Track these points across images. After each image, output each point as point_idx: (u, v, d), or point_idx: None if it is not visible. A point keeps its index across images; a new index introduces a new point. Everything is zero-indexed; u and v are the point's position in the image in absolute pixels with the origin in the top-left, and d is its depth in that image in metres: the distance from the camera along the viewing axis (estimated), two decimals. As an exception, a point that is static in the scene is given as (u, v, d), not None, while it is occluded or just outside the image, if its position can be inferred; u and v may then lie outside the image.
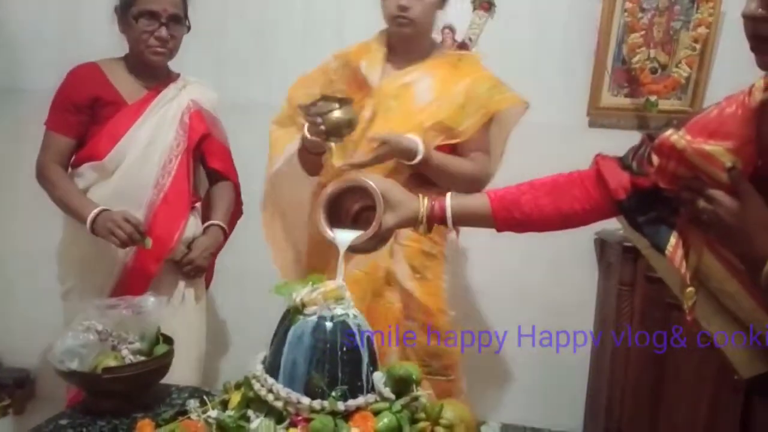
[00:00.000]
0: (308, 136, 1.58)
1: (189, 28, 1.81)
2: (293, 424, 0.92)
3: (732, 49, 2.29)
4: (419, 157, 1.57)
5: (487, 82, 1.68)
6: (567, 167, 2.39)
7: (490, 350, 2.48)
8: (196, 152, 1.87)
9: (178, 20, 1.76)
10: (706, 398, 1.93)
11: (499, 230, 1.18)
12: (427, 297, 1.67)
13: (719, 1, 2.22)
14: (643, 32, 2.29)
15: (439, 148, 1.65)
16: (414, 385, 0.99)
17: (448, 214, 1.13)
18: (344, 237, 1.11)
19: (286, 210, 1.83)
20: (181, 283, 1.86)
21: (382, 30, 1.75)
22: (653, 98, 2.31)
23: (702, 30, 2.25)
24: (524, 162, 2.28)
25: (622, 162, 1.14)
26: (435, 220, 1.14)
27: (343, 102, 1.53)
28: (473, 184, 1.65)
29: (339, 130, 1.52)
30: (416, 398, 0.97)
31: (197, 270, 1.87)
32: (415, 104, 1.66)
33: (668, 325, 2.05)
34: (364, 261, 1.61)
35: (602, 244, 2.36)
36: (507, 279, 2.41)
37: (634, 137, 2.36)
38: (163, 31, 1.72)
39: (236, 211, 2.00)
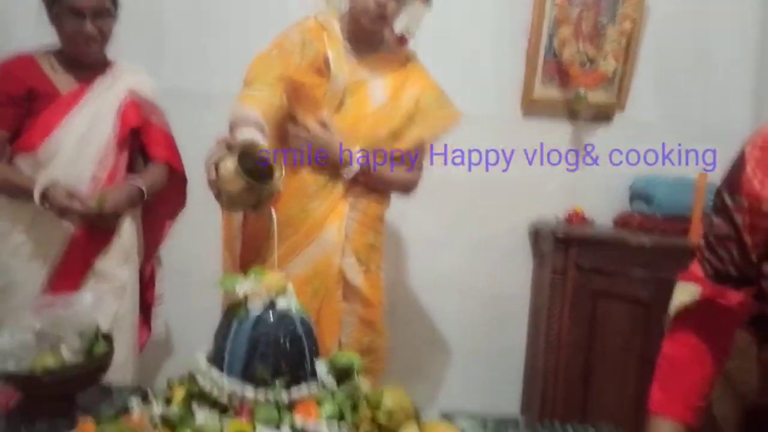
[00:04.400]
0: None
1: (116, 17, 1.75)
2: (238, 414, 0.94)
3: (656, 43, 2.42)
4: (351, 173, 1.64)
5: (434, 94, 1.74)
6: (505, 156, 2.47)
7: (429, 341, 2.54)
8: (134, 143, 1.84)
9: (105, 12, 1.71)
10: (630, 382, 2.03)
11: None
12: (370, 289, 1.72)
13: (643, -4, 2.33)
14: (572, 26, 2.37)
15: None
16: (355, 374, 1.02)
17: None
18: None
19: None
20: (123, 273, 1.83)
21: (336, 16, 1.72)
22: (582, 91, 2.41)
23: (627, 24, 2.35)
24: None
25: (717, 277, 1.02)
26: None
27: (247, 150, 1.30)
28: (407, 189, 1.79)
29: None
30: (358, 387, 1.00)
31: (106, 218, 1.75)
32: (369, 106, 1.69)
33: (596, 311, 2.17)
34: (315, 259, 1.65)
35: (536, 235, 2.46)
36: (446, 271, 2.48)
37: (566, 128, 2.49)
38: (88, 27, 1.68)
39: (178, 202, 1.97)
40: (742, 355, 1.09)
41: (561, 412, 2.15)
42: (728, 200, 0.99)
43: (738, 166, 0.99)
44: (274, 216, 1.19)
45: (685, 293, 1.03)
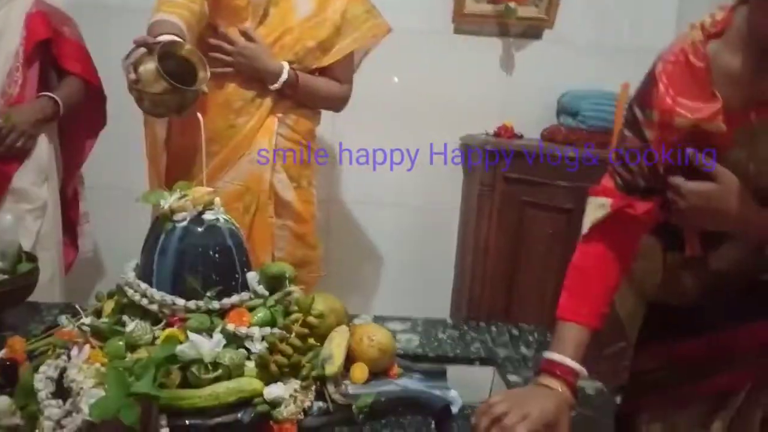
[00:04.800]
0: None
1: None
2: (170, 325, 0.95)
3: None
4: (277, 85, 1.60)
5: (361, 5, 1.70)
6: (436, 72, 2.49)
7: (364, 253, 2.60)
8: (46, 57, 1.74)
9: None
10: (551, 285, 2.15)
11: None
12: (302, 204, 1.72)
13: None
14: (501, -62, 2.35)
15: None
16: (287, 282, 1.04)
17: (578, 367, 1.01)
18: None
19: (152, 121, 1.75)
20: (43, 192, 1.77)
21: None
22: (512, 5, 2.41)
23: (557, -61, 2.34)
24: (394, 67, 2.37)
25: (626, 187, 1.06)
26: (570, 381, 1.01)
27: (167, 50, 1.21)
28: (337, 104, 1.77)
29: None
30: (289, 293, 1.02)
31: (18, 136, 1.69)
32: (294, 17, 1.64)
33: (522, 219, 2.27)
34: (246, 175, 1.63)
35: (467, 149, 2.51)
36: (380, 185, 2.51)
37: (497, 43, 2.51)
38: None
39: (97, 120, 1.89)
40: (648, 258, 1.16)
41: (487, 315, 2.27)
42: (639, 115, 1.02)
43: (650, 82, 1.02)
44: (201, 121, 1.12)
45: (596, 208, 1.07)
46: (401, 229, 2.58)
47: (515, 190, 2.27)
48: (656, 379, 1.17)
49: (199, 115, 1.12)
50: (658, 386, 1.17)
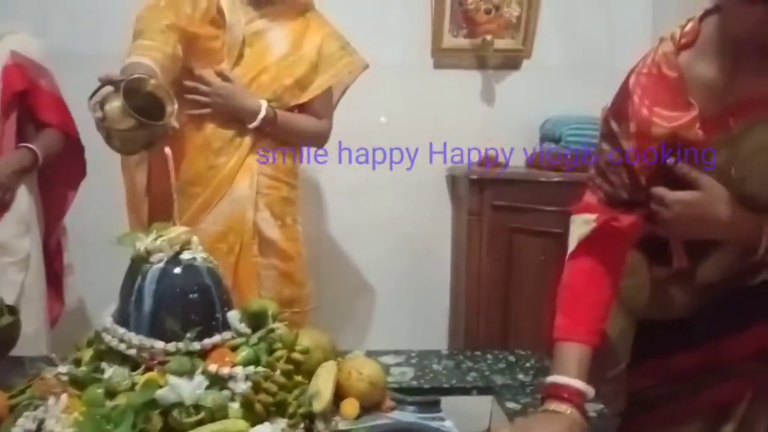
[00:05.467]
0: None
1: None
2: (149, 369, 0.93)
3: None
4: (256, 123, 1.60)
5: (336, 41, 1.72)
6: (417, 107, 2.51)
7: (357, 288, 2.58)
8: (22, 110, 1.75)
9: None
10: (546, 311, 2.13)
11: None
12: (287, 242, 1.71)
13: (544, -61, 2.37)
14: (475, -28, 2.39)
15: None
16: (270, 319, 1.02)
17: (584, 387, 0.98)
18: None
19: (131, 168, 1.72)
20: (24, 244, 1.75)
21: None
22: (489, 38, 2.45)
23: (527, -31, 2.39)
24: (378, 103, 2.39)
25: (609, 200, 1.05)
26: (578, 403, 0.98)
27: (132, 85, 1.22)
28: (318, 140, 1.78)
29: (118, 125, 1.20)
30: (272, 330, 1.00)
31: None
32: (270, 57, 1.65)
33: (512, 247, 2.27)
34: (227, 216, 1.62)
35: (453, 180, 2.53)
36: (369, 221, 2.50)
37: (476, 76, 2.54)
38: None
39: (77, 171, 1.89)
40: (635, 273, 1.14)
41: (484, 344, 2.23)
42: (616, 127, 1.02)
43: (624, 95, 1.02)
44: (170, 155, 1.10)
45: (581, 224, 1.06)
46: (393, 263, 2.56)
47: (503, 218, 2.27)
48: (654, 397, 1.14)
49: (167, 149, 1.11)
50: (657, 404, 1.14)
